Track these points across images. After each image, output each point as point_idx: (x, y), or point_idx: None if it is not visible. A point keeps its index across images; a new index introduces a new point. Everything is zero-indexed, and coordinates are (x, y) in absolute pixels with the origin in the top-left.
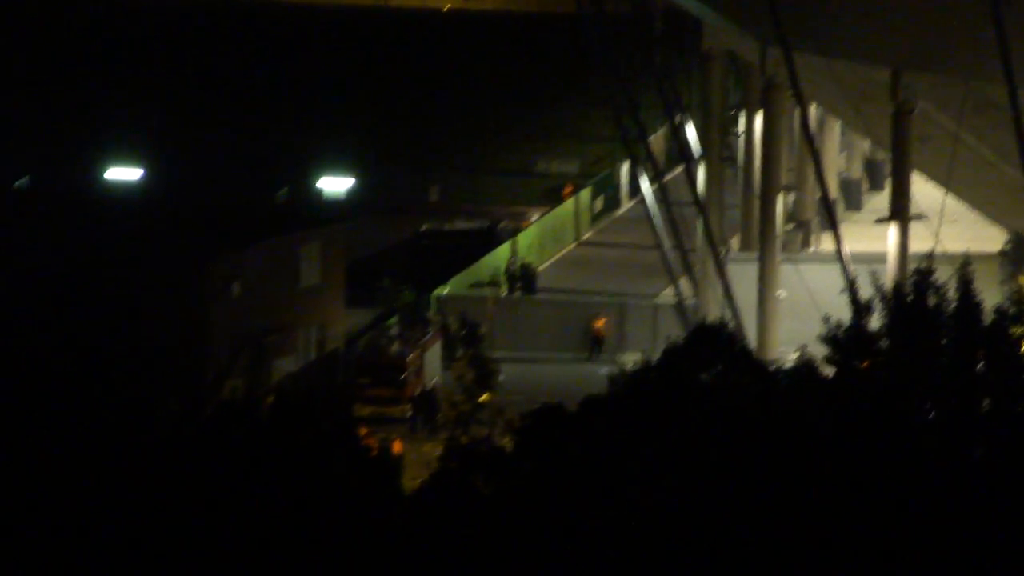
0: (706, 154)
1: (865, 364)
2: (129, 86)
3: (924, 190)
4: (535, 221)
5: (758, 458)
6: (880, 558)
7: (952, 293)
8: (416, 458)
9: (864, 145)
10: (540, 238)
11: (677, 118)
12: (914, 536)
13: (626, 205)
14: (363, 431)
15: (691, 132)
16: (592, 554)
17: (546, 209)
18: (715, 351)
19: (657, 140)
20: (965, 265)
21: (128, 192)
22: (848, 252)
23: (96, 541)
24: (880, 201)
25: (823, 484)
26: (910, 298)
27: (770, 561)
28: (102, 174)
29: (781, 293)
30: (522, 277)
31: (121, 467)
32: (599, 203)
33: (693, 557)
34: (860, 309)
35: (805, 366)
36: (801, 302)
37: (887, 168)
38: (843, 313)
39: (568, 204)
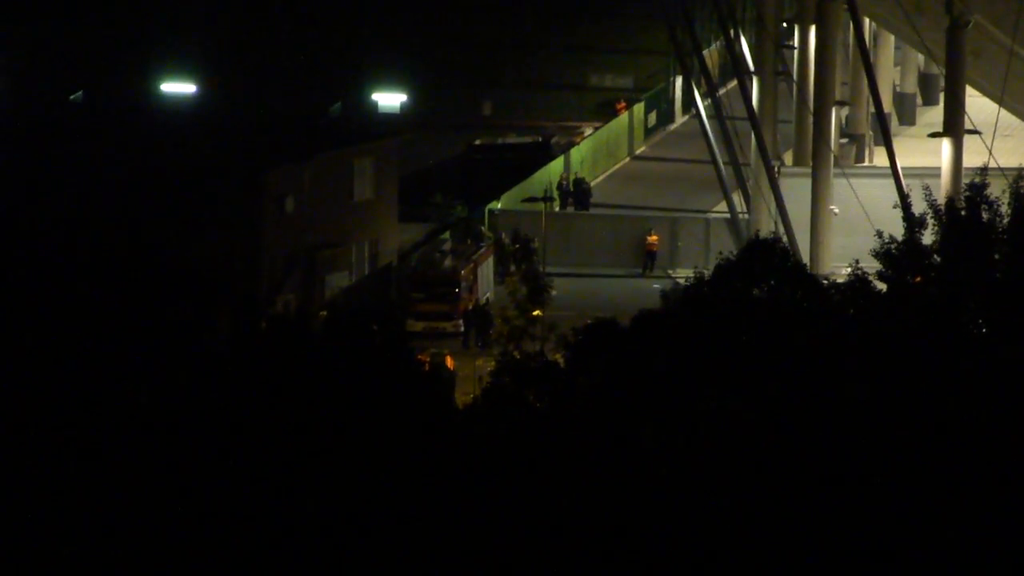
0: (760, 68)
1: (918, 279)
2: (179, 2)
3: (978, 104)
4: (588, 136)
5: (810, 373)
6: (928, 479)
7: (1005, 208)
8: (469, 373)
9: (918, 59)
10: (593, 153)
11: (731, 31)
12: (968, 454)
13: (680, 120)
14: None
15: (745, 46)
16: (644, 470)
17: (599, 124)
18: (768, 266)
19: (711, 54)
20: (1019, 180)
21: (183, 106)
22: (901, 167)
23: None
24: (934, 115)
25: (877, 399)
26: (963, 213)
27: (828, 472)
28: (157, 88)
29: (834, 208)
30: (576, 192)
31: (177, 381)
32: (652, 118)
33: (740, 473)
34: (913, 224)
35: (858, 281)
36: (854, 217)
37: (941, 82)
38: (896, 228)
39: (622, 119)
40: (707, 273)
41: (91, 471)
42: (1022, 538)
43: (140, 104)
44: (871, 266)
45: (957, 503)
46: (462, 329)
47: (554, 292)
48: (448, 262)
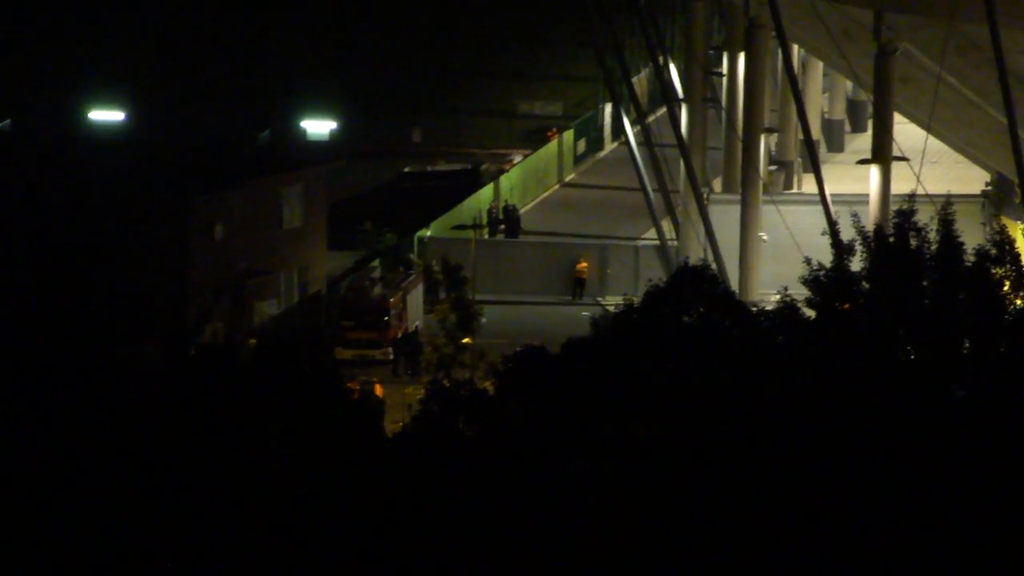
0: (689, 95)
1: (846, 306)
2: (113, 28)
3: (906, 131)
4: (518, 163)
5: (739, 400)
6: (860, 501)
7: (933, 234)
8: (398, 401)
9: (846, 86)
10: (523, 180)
11: (660, 59)
12: (894, 478)
13: (609, 147)
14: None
15: (674, 73)
16: (574, 497)
17: (529, 151)
18: (697, 293)
19: (640, 81)
20: (946, 206)
21: (111, 134)
22: (830, 194)
23: (75, 487)
24: (862, 142)
25: (804, 426)
26: (892, 240)
27: (748, 502)
28: (85, 116)
29: (763, 235)
30: (506, 219)
31: (101, 411)
32: (582, 145)
33: (673, 497)
34: (842, 251)
35: (787, 308)
36: (783, 244)
37: (869, 109)
38: (825, 255)
39: (551, 146)
40: (636, 300)
41: (14, 502)
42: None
43: (68, 132)
44: (800, 293)
45: (888, 532)
46: (391, 357)
47: (483, 320)
48: (377, 290)
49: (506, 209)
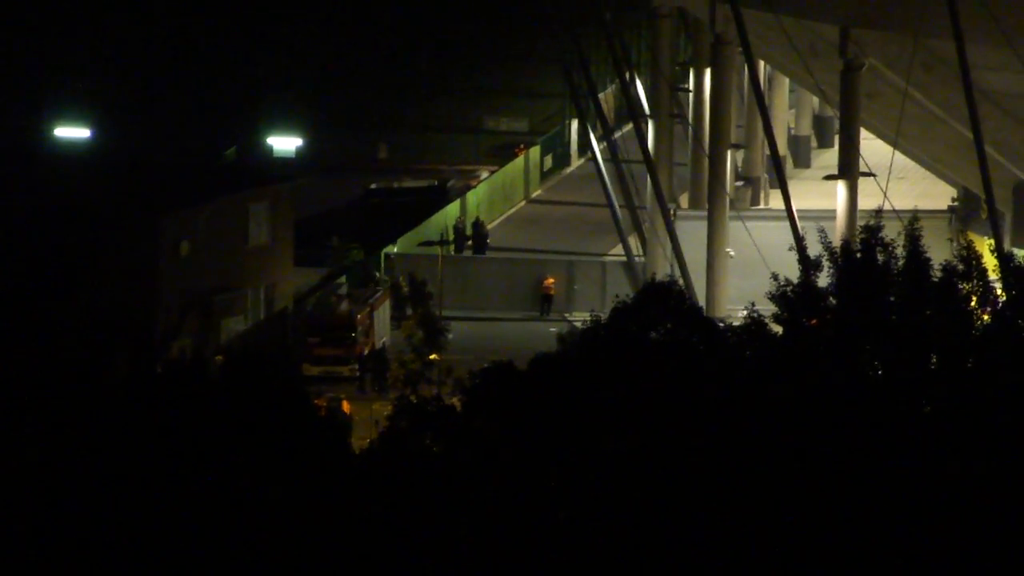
0: (655, 111)
1: (813, 322)
2: (79, 45)
3: (872, 147)
4: (484, 179)
5: (706, 415)
6: (829, 513)
7: (900, 250)
8: (365, 418)
9: (813, 102)
10: (489, 196)
11: (627, 75)
12: (864, 492)
13: (576, 163)
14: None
15: (641, 89)
16: (541, 512)
17: (495, 167)
18: (664, 309)
19: (607, 97)
20: (913, 222)
21: (77, 151)
22: (797, 209)
23: (44, 501)
24: (829, 158)
25: (772, 441)
26: (859, 255)
27: (719, 516)
28: (50, 133)
29: (730, 251)
30: (474, 235)
31: (70, 426)
32: (548, 161)
33: (642, 513)
34: (809, 266)
35: (754, 323)
36: (750, 259)
37: (836, 125)
38: (792, 270)
39: (517, 162)
40: (603, 316)
41: None
42: None
43: (33, 148)
44: (767, 308)
45: (859, 547)
46: (358, 373)
47: (451, 336)
48: (344, 306)
49: (475, 225)
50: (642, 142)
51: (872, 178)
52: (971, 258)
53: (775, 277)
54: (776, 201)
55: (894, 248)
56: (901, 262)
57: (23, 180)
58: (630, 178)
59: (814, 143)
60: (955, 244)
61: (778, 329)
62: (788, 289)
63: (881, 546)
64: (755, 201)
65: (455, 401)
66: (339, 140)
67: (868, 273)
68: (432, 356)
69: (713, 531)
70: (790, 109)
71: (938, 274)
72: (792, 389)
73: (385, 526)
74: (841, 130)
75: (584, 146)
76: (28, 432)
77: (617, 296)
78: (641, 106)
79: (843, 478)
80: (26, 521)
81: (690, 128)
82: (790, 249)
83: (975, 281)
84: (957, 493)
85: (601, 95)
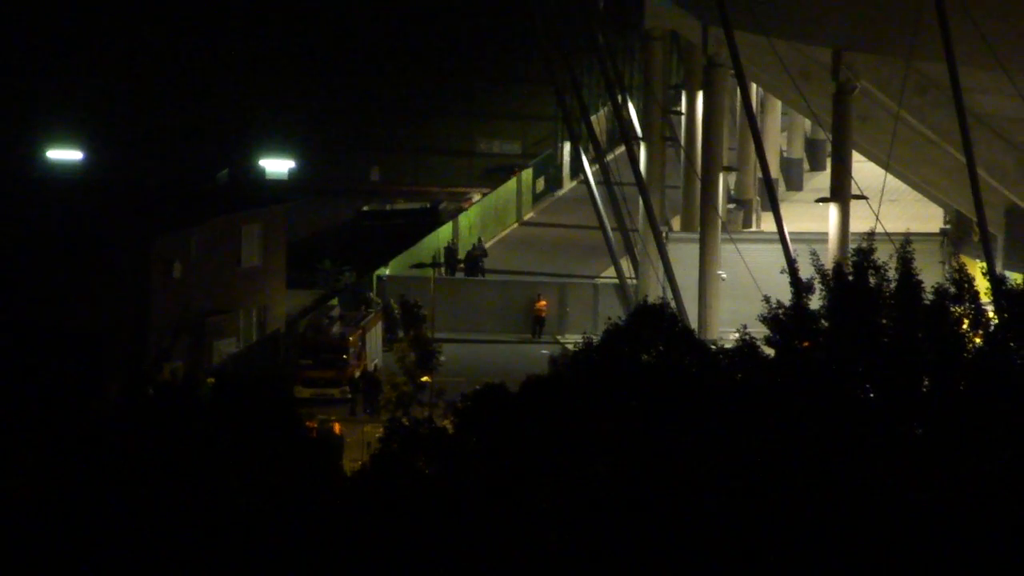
0: (648, 134)
1: (805, 344)
2: (70, 67)
3: (865, 169)
4: (477, 201)
5: (698, 437)
6: (820, 534)
7: (892, 273)
8: (357, 439)
9: (805, 125)
10: (482, 218)
11: (619, 98)
12: (855, 514)
13: (568, 185)
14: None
15: (633, 112)
16: (533, 533)
17: (488, 189)
18: (656, 331)
19: (599, 120)
20: (905, 245)
21: (69, 173)
22: (789, 232)
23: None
24: (821, 181)
25: (763, 463)
26: (851, 278)
27: (710, 536)
28: (43, 155)
29: (722, 273)
30: (467, 258)
31: (63, 448)
32: (541, 183)
33: (632, 533)
34: (801, 289)
35: (746, 346)
36: (742, 282)
37: (828, 148)
38: (784, 293)
39: (510, 184)
40: (595, 338)
41: None
42: None
43: (26, 171)
44: (759, 331)
45: (844, 570)
46: (350, 395)
47: (443, 358)
48: (336, 328)
49: (473, 247)
50: (634, 164)
51: (864, 201)
52: (963, 281)
53: (767, 300)
54: (768, 224)
55: (886, 271)
56: (893, 285)
57: (16, 202)
58: (622, 200)
59: (806, 166)
60: (947, 267)
61: (770, 352)
62: (780, 312)
63: (872, 568)
64: (747, 224)
65: (447, 423)
66: (332, 162)
67: (860, 296)
68: (424, 378)
69: (704, 550)
70: (782, 132)
71: (930, 297)
72: (784, 412)
73: (377, 547)
74: (833, 153)
75: (576, 168)
76: (21, 453)
77: (609, 318)
78: (633, 128)
79: (835, 499)
80: (15, 542)
81: (682, 151)
82: (782, 272)
83: (967, 304)
84: (949, 514)
85: (593, 118)
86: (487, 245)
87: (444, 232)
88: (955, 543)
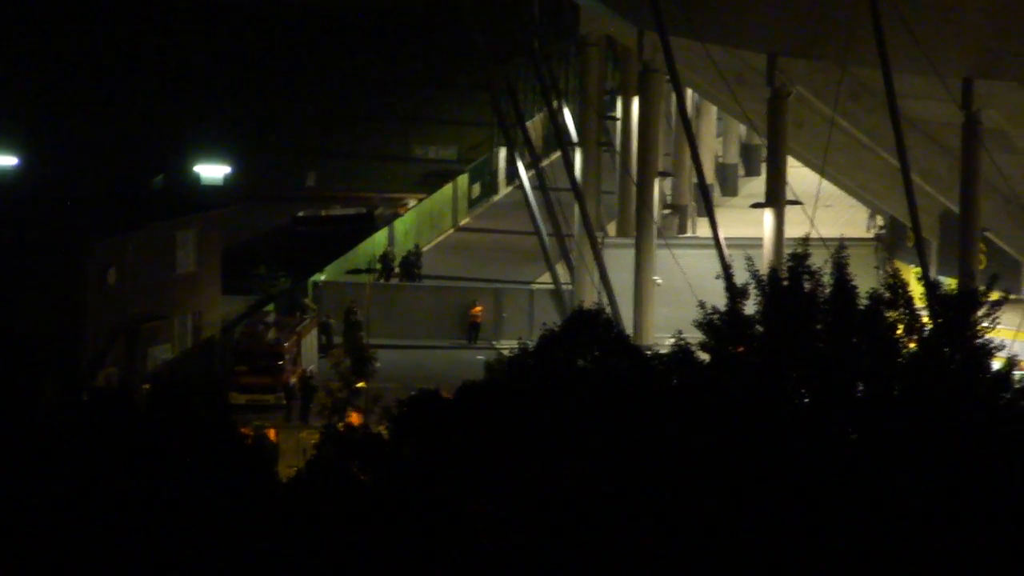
0: (583, 139)
1: (740, 349)
2: (5, 72)
3: (800, 175)
4: (413, 207)
5: (633, 443)
6: (756, 542)
7: (827, 278)
8: (292, 446)
9: (740, 130)
10: (417, 224)
11: (555, 103)
12: (789, 520)
13: (504, 191)
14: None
15: (568, 117)
16: (467, 540)
17: (423, 195)
18: (591, 337)
19: (535, 125)
20: (840, 250)
21: (4, 179)
22: (724, 237)
23: None
24: (756, 186)
25: (699, 469)
26: (785, 283)
27: (644, 543)
28: None
29: (657, 279)
30: (403, 264)
31: None
32: (476, 189)
33: (567, 541)
34: (736, 294)
35: (681, 352)
36: (677, 287)
37: (763, 153)
38: (719, 298)
39: (445, 190)
40: (531, 344)
41: None
42: None
43: None
44: (694, 336)
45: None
46: (285, 401)
47: (378, 364)
48: (271, 334)
49: (411, 252)
50: (570, 170)
51: (799, 206)
52: (897, 286)
53: (702, 305)
54: (703, 229)
55: (821, 276)
56: (828, 290)
57: None
58: (558, 206)
59: (741, 171)
60: (881, 272)
61: (705, 357)
62: (715, 317)
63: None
64: (682, 229)
65: (382, 429)
66: (267, 168)
67: (795, 301)
68: (359, 384)
69: (639, 556)
70: (718, 137)
71: (865, 302)
72: (719, 417)
73: (312, 554)
74: (768, 158)
75: (512, 174)
76: None
77: (545, 324)
78: (569, 134)
79: (771, 506)
80: None
81: (618, 156)
82: (717, 277)
83: (901, 309)
84: (884, 520)
85: (529, 123)
86: (423, 250)
87: (380, 238)
88: (892, 546)
